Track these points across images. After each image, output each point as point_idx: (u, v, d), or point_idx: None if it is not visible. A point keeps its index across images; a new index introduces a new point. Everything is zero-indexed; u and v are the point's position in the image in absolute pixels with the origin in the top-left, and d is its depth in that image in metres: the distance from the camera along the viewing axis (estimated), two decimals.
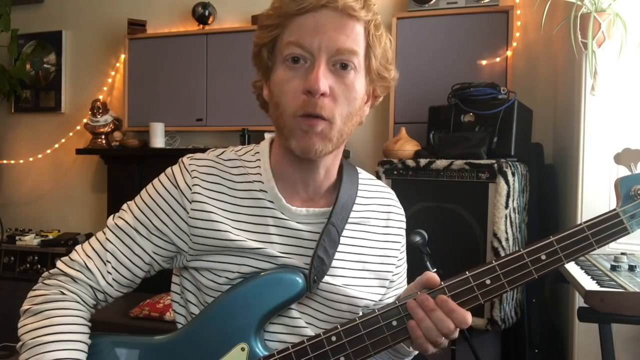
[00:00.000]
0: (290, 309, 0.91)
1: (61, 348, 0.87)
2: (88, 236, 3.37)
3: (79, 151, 3.43)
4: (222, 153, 0.98)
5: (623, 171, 0.88)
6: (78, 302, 0.92)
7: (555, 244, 0.82)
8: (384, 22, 0.92)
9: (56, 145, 3.65)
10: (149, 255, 0.93)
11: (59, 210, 3.67)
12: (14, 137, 3.80)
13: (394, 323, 0.83)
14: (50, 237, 3.40)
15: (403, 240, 1.05)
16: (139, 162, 3.28)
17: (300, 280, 0.89)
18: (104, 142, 3.43)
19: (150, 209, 0.93)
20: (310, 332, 0.91)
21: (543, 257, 0.82)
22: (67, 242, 3.26)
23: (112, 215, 0.97)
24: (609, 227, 0.82)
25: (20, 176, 3.77)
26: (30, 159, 3.71)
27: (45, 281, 0.93)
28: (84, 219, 3.59)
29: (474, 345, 1.89)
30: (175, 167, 0.95)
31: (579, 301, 1.57)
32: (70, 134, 3.62)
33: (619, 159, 0.89)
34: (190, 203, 0.91)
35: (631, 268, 1.55)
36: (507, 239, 1.99)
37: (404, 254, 1.07)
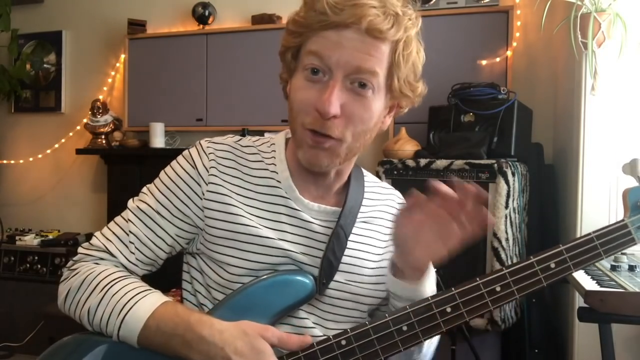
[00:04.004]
0: (298, 309, 0.92)
1: (124, 284, 0.88)
2: (88, 236, 3.37)
3: (79, 151, 3.42)
4: (240, 140, 0.99)
5: (627, 179, 0.89)
6: (116, 266, 0.93)
7: (565, 252, 0.84)
8: None
9: (56, 145, 3.65)
10: (171, 237, 0.94)
11: (59, 210, 3.67)
12: (14, 137, 3.80)
13: (404, 328, 0.83)
14: (50, 237, 3.40)
15: None
16: (139, 162, 3.27)
17: (309, 282, 0.90)
18: (104, 142, 3.42)
19: (171, 190, 0.94)
20: (317, 331, 0.92)
21: (552, 265, 0.84)
22: (67, 242, 3.26)
23: (132, 199, 0.97)
24: (617, 238, 0.84)
25: (20, 176, 3.77)
26: (30, 159, 3.71)
27: (72, 267, 0.94)
28: (84, 219, 3.58)
29: (474, 345, 1.89)
30: (193, 150, 0.96)
31: (579, 301, 1.57)
32: (70, 134, 3.62)
33: (627, 169, 0.91)
34: (207, 185, 0.93)
35: (631, 268, 1.56)
36: (507, 239, 1.99)
37: None
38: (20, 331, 3.16)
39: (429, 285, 0.90)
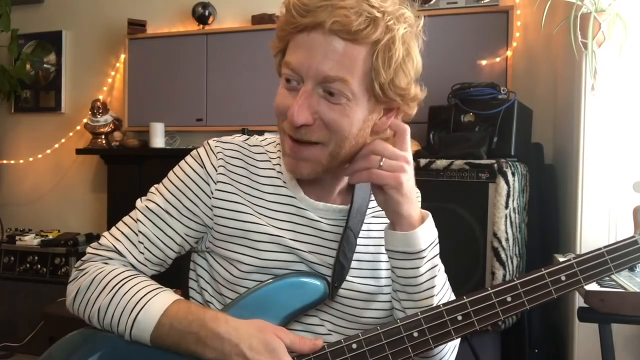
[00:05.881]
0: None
1: (134, 283, 0.88)
2: (88, 236, 3.38)
3: (79, 151, 3.43)
4: (247, 139, 0.99)
5: (627, 179, 0.91)
6: (124, 265, 0.93)
7: (576, 266, 0.85)
8: None
9: (56, 145, 3.65)
10: (181, 236, 0.94)
11: (59, 210, 3.67)
12: (14, 137, 3.80)
13: (415, 334, 0.83)
14: (50, 237, 3.40)
15: None
16: (139, 162, 3.27)
17: (322, 285, 0.90)
18: (104, 142, 3.43)
19: (180, 190, 0.94)
20: (324, 330, 0.93)
21: (563, 278, 0.85)
22: (67, 242, 3.26)
23: (140, 199, 0.98)
24: (627, 254, 0.86)
25: (20, 176, 3.77)
26: (30, 159, 3.71)
27: (81, 267, 0.94)
28: (84, 219, 3.59)
29: (474, 345, 1.89)
30: (201, 149, 0.97)
31: (579, 301, 1.57)
32: (70, 134, 3.62)
33: (638, 187, 0.93)
34: (215, 184, 0.93)
35: (631, 268, 1.55)
36: (507, 239, 1.99)
37: None
38: (20, 331, 3.16)
39: (424, 236, 0.87)
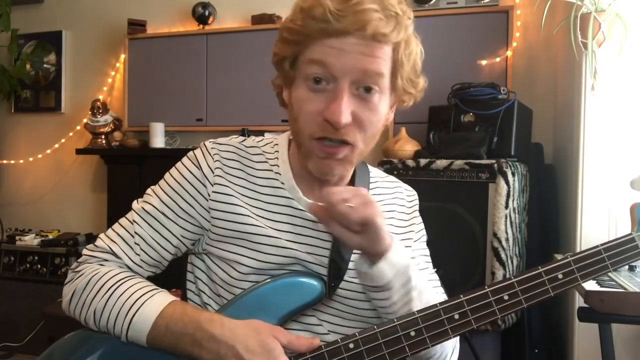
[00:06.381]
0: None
1: (130, 285, 0.88)
2: (88, 236, 3.38)
3: (79, 151, 3.43)
4: (244, 140, 0.99)
5: (626, 179, 0.90)
6: (120, 267, 0.93)
7: (573, 264, 0.85)
8: None
9: (56, 145, 3.65)
10: (177, 238, 0.94)
11: (59, 210, 3.67)
12: (14, 137, 3.80)
13: (412, 333, 0.83)
14: (50, 237, 3.40)
15: (416, 220, 1.06)
16: (139, 162, 3.27)
17: (319, 285, 0.90)
18: (104, 142, 3.43)
19: (176, 191, 0.94)
20: (322, 329, 0.93)
21: (560, 276, 0.85)
22: (67, 242, 3.26)
23: (136, 200, 0.97)
24: (624, 251, 0.85)
25: (20, 176, 3.77)
26: (30, 159, 3.71)
27: (77, 269, 0.94)
28: (84, 219, 3.59)
29: (474, 345, 1.89)
30: (198, 151, 0.96)
31: (579, 301, 1.58)
32: (70, 134, 3.62)
33: (635, 184, 0.92)
34: (212, 186, 0.93)
35: (631, 268, 1.55)
36: (507, 239, 1.99)
37: (421, 234, 1.08)
38: (20, 331, 3.17)
39: (389, 268, 0.85)
